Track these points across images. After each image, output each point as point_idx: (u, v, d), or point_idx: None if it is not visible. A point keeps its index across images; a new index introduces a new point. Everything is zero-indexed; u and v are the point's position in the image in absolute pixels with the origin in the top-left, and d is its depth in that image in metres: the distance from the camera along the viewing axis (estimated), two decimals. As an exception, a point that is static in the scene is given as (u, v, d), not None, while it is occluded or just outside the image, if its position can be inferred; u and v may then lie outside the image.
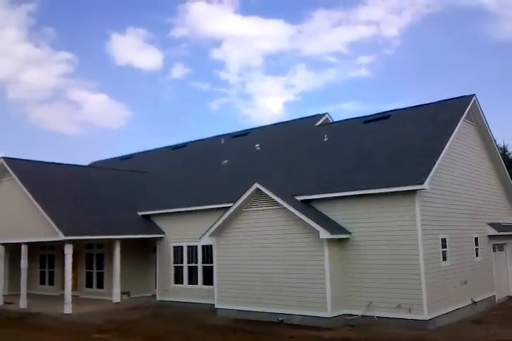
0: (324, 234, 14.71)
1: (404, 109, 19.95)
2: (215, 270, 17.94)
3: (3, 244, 22.24)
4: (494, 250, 19.16)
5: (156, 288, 21.61)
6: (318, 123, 23.33)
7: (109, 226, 20.61)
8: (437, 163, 14.96)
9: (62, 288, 20.31)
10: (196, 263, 20.08)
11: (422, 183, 14.07)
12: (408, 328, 13.58)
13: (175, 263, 20.90)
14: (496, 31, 69.10)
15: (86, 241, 21.28)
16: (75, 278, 21.91)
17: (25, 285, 20.72)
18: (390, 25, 76.11)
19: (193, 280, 20.16)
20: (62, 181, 22.30)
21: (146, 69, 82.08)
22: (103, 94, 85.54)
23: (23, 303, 20.48)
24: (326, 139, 20.36)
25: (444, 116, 17.39)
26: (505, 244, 20.07)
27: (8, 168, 21.14)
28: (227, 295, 17.26)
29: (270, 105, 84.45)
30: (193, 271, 20.23)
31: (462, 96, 18.25)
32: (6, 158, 21.61)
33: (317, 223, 14.94)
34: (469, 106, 17.66)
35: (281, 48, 79.86)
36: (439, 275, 14.76)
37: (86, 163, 33.58)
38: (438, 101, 18.92)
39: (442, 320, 14.38)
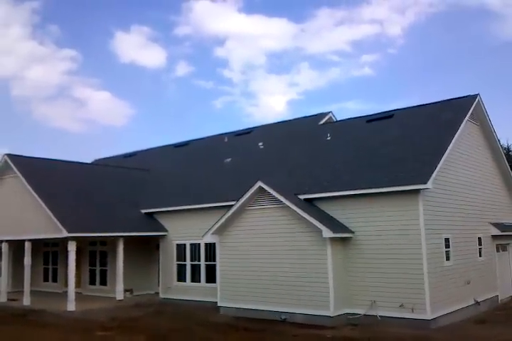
0: (327, 233, 14.72)
1: (408, 108, 19.92)
2: (217, 268, 17.97)
3: (6, 241, 22.31)
4: (497, 250, 19.13)
5: (158, 285, 21.65)
6: (321, 122, 23.32)
7: (113, 223, 20.67)
8: (441, 162, 14.93)
9: (66, 285, 20.39)
10: (199, 261, 20.12)
11: (425, 183, 14.05)
12: (411, 328, 13.57)
13: (178, 260, 20.94)
14: (501, 31, 68.90)
15: (89, 238, 21.32)
16: (78, 275, 21.92)
17: (28, 282, 20.80)
18: (393, 24, 75.94)
19: (195, 278, 20.20)
20: (66, 178, 22.35)
21: (150, 67, 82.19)
22: (107, 92, 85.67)
23: (26, 300, 20.56)
24: (329, 138, 20.35)
25: (447, 116, 17.35)
26: (508, 244, 20.03)
27: (12, 165, 21.19)
28: (230, 293, 17.29)
29: (273, 104, 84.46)
30: (195, 269, 20.27)
31: (466, 96, 18.21)
32: (10, 155, 21.67)
33: (320, 222, 14.95)
34: (473, 106, 17.62)
35: (284, 47, 79.81)
36: (442, 274, 14.75)
37: (89, 161, 33.62)
38: (442, 101, 18.89)
39: (445, 319, 14.38)
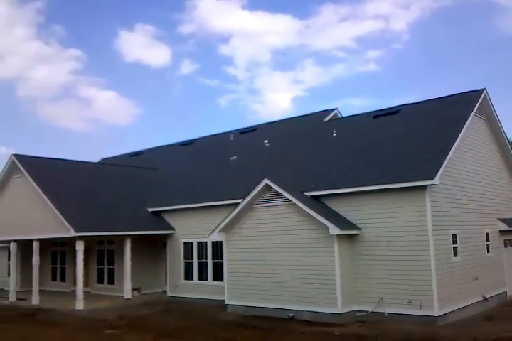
0: (334, 230, 14.69)
1: (414, 103, 19.83)
2: (225, 266, 17.99)
3: (15, 241, 22.46)
4: (505, 245, 19.03)
5: (166, 284, 21.72)
6: (326, 119, 23.26)
7: (120, 222, 20.74)
8: (448, 158, 14.85)
9: (74, 284, 20.51)
10: (206, 259, 20.16)
11: (432, 178, 13.98)
12: (419, 324, 13.53)
13: (185, 259, 20.99)
14: (506, 25, 68.35)
15: (97, 237, 21.41)
16: (86, 274, 22.04)
17: (37, 282, 20.92)
18: (398, 19, 75.63)
19: (203, 276, 20.25)
20: (73, 178, 22.44)
21: (155, 66, 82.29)
22: (112, 91, 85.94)
23: (35, 299, 20.69)
24: (335, 135, 20.29)
25: (454, 111, 17.24)
26: (516, 239, 19.92)
27: (20, 165, 21.30)
28: (237, 291, 17.31)
29: (278, 101, 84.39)
30: (203, 267, 20.31)
31: (472, 91, 18.09)
32: (17, 156, 21.78)
33: (327, 219, 14.92)
34: (480, 101, 17.50)
35: (289, 43, 79.67)
36: (449, 271, 14.69)
37: (96, 160, 33.75)
38: (448, 96, 18.78)
39: (453, 316, 14.33)
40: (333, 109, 24.00)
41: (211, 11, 75.27)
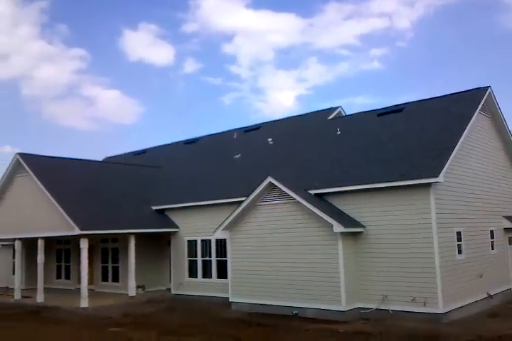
0: (338, 228, 14.69)
1: (418, 101, 19.78)
2: (229, 264, 18.02)
3: (19, 239, 22.55)
4: (510, 243, 19.00)
5: (170, 281, 21.78)
6: (330, 117, 23.22)
7: (124, 220, 20.79)
8: (452, 155, 14.82)
9: (79, 282, 20.57)
10: (210, 257, 20.19)
11: (436, 176, 13.96)
12: (423, 322, 13.54)
13: (189, 257, 21.03)
14: (511, 22, 68.02)
15: (101, 235, 21.47)
16: (90, 272, 22.07)
17: (42, 280, 21.01)
18: (402, 17, 75.31)
19: (207, 273, 20.29)
20: (77, 176, 22.51)
21: (158, 65, 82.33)
22: (116, 90, 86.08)
23: (40, 297, 20.77)
24: (338, 133, 20.27)
25: (458, 109, 17.21)
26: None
27: (24, 164, 21.37)
28: (241, 288, 17.34)
29: (282, 99, 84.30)
30: (207, 265, 20.35)
31: (477, 88, 18.04)
32: (21, 154, 21.85)
33: (331, 217, 14.93)
34: (484, 98, 17.46)
35: (292, 42, 79.54)
36: (454, 268, 14.68)
37: (100, 158, 33.86)
38: (452, 94, 18.73)
39: (457, 313, 14.32)
40: (337, 107, 23.96)
41: (215, 10, 75.30)
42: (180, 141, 31.09)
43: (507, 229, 18.55)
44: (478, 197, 16.97)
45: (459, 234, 15.34)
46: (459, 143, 15.29)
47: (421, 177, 14.28)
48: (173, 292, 21.37)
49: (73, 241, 24.11)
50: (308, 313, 15.35)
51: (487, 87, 17.75)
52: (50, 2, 76.16)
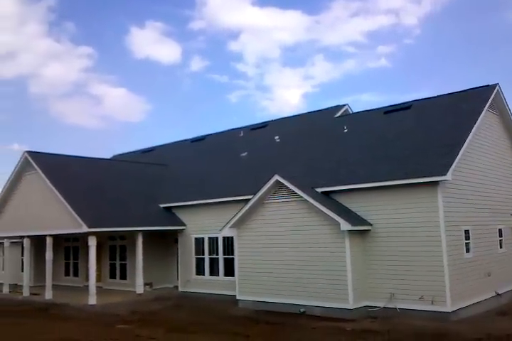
0: (345, 226, 14.67)
1: (426, 99, 19.68)
2: (236, 261, 18.06)
3: (28, 237, 22.70)
4: (518, 241, 18.86)
5: (178, 279, 21.85)
6: (337, 115, 23.18)
7: (132, 218, 20.88)
8: (460, 153, 14.74)
9: (87, 279, 20.71)
10: (217, 254, 20.24)
11: (444, 174, 13.90)
12: (431, 320, 13.50)
13: (196, 254, 21.09)
14: (520, 18, 67.40)
15: (109, 233, 21.57)
16: (98, 270, 22.26)
17: (50, 277, 21.15)
18: (409, 14, 74.92)
19: (214, 271, 20.33)
20: (85, 174, 22.62)
21: (165, 63, 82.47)
22: (122, 88, 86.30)
23: (48, 294, 20.92)
24: (345, 130, 20.22)
25: (466, 106, 17.11)
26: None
27: (33, 162, 21.50)
28: (249, 286, 17.37)
29: (289, 97, 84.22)
30: (214, 263, 20.40)
31: (485, 86, 17.92)
32: (30, 152, 21.98)
33: (338, 215, 14.91)
34: (492, 96, 17.34)
35: (299, 39, 79.40)
36: (462, 267, 14.62)
37: (107, 156, 34.00)
38: (460, 91, 18.61)
39: (465, 312, 14.27)
40: (344, 105, 23.91)
41: (221, 8, 75.26)
42: (187, 139, 31.17)
43: (515, 228, 18.44)
44: (486, 195, 16.88)
45: (467, 232, 15.28)
46: (467, 141, 15.21)
47: (428, 176, 14.22)
48: (180, 289, 21.45)
49: (81, 239, 24.27)
50: (315, 311, 15.35)
51: (495, 85, 17.63)
52: (58, 0, 76.46)
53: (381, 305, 14.86)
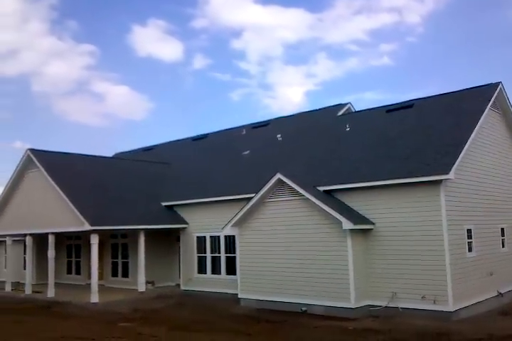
0: (347, 225, 14.65)
1: (428, 97, 19.62)
2: (237, 260, 18.06)
3: (30, 235, 22.73)
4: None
5: (180, 277, 21.87)
6: (340, 113, 23.13)
7: (134, 216, 20.88)
8: (463, 152, 14.70)
9: (89, 277, 20.72)
10: (219, 253, 20.25)
11: (447, 173, 13.86)
12: (433, 319, 13.48)
13: (198, 253, 21.10)
14: (524, 17, 67.12)
15: (111, 231, 21.60)
16: (100, 268, 22.30)
17: (52, 275, 21.18)
18: (412, 12, 74.71)
19: (216, 270, 20.35)
20: (87, 172, 22.63)
21: (167, 61, 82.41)
22: (125, 86, 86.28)
23: (50, 292, 20.95)
24: (348, 129, 20.18)
25: (469, 105, 17.06)
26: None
27: (35, 160, 21.51)
28: (250, 285, 17.37)
29: (291, 95, 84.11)
30: (216, 261, 20.41)
31: (488, 84, 17.85)
32: (32, 150, 21.99)
33: (340, 213, 14.88)
34: (495, 95, 17.28)
35: (301, 37, 79.24)
36: (464, 266, 14.59)
37: (109, 154, 34.00)
38: (463, 90, 18.56)
39: (467, 311, 14.25)
40: (347, 103, 23.87)
41: (223, 6, 75.18)
42: (189, 138, 31.14)
43: (518, 227, 18.39)
44: (488, 195, 16.84)
45: (469, 231, 15.25)
46: (469, 140, 15.16)
47: (431, 174, 14.19)
48: (182, 288, 21.46)
49: (83, 237, 24.29)
50: (317, 310, 15.35)
51: (498, 83, 17.56)
52: (60, -2, 76.38)
53: (383, 304, 14.85)
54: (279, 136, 23.31)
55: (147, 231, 21.00)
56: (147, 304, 18.23)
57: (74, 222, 19.23)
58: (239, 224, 17.77)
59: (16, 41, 73.83)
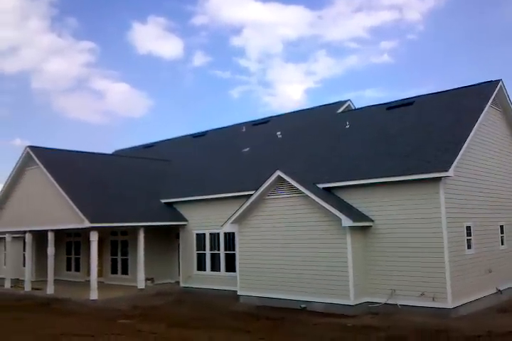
0: (346, 222, 14.65)
1: (429, 94, 19.61)
2: (237, 257, 18.07)
3: (30, 232, 22.74)
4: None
5: (179, 274, 21.88)
6: (340, 111, 23.12)
7: (133, 213, 20.88)
8: (463, 149, 14.69)
9: (88, 274, 20.73)
10: (218, 250, 20.25)
11: (446, 170, 13.86)
12: (431, 316, 13.50)
13: (198, 250, 21.11)
14: (524, 14, 66.99)
15: (111, 228, 21.60)
16: (100, 265, 22.30)
17: (52, 272, 21.19)
18: (412, 9, 74.59)
19: (215, 267, 20.35)
20: (87, 169, 22.62)
21: (167, 58, 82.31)
22: (125, 83, 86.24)
23: (50, 289, 20.97)
24: (348, 126, 20.17)
25: (469, 102, 17.04)
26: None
27: (35, 157, 21.50)
28: (250, 282, 17.38)
29: (291, 92, 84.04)
30: (215, 258, 20.41)
31: (488, 82, 17.84)
32: (32, 147, 21.98)
33: (339, 210, 14.89)
34: (495, 92, 17.26)
35: (301, 35, 79.10)
36: (463, 263, 14.61)
37: (109, 151, 34.00)
38: (463, 87, 18.54)
39: (466, 308, 14.27)
40: (346, 101, 23.85)
41: (223, 3, 75.10)
42: (188, 135, 31.12)
43: (517, 224, 18.40)
44: (488, 192, 16.84)
45: (468, 228, 15.26)
46: (469, 137, 15.15)
47: (431, 172, 14.19)
48: (181, 285, 21.48)
49: (83, 234, 24.31)
50: (316, 307, 15.37)
51: (498, 81, 17.54)
52: (60, -5, 76.22)
53: (382, 301, 14.87)
54: (278, 133, 23.29)
55: (147, 228, 21.01)
56: (146, 301, 18.24)
57: (73, 219, 19.23)
58: (238, 221, 17.77)
59: (15, 38, 73.82)
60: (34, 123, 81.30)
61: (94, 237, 19.13)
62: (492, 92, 17.13)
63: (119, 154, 32.54)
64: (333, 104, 24.35)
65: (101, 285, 19.92)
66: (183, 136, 31.44)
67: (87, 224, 18.61)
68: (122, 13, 77.93)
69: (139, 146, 33.88)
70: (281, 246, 16.55)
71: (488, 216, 16.71)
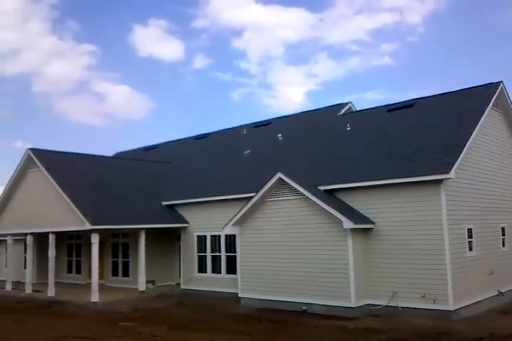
0: (348, 224, 14.65)
1: (429, 97, 19.63)
2: (238, 259, 18.06)
3: (31, 234, 22.74)
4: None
5: (180, 276, 21.86)
6: (341, 113, 23.13)
7: (134, 215, 20.88)
8: (463, 151, 14.69)
9: (89, 276, 20.69)
10: (220, 252, 20.24)
11: (447, 172, 13.86)
12: (433, 319, 13.48)
13: (199, 252, 21.09)
14: (525, 16, 67.03)
15: (112, 230, 21.60)
16: (101, 267, 22.28)
17: (53, 274, 21.17)
18: (413, 11, 74.62)
19: (216, 269, 20.34)
20: (88, 172, 22.62)
21: (168, 61, 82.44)
22: (126, 86, 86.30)
23: (51, 291, 20.94)
24: (349, 128, 20.18)
25: (470, 105, 17.04)
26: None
27: (36, 159, 21.51)
28: (251, 284, 17.37)
29: (292, 95, 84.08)
30: (216, 260, 20.40)
31: (489, 84, 17.84)
32: (33, 150, 21.99)
33: (340, 213, 14.88)
34: (496, 94, 17.27)
35: (302, 37, 79.17)
36: (464, 265, 14.59)
37: (110, 154, 33.98)
38: (464, 89, 18.55)
39: (468, 310, 14.24)
40: (347, 103, 23.86)
41: (224, 5, 75.16)
42: (190, 137, 31.14)
43: (519, 226, 18.38)
44: (489, 194, 16.83)
45: (469, 230, 15.24)
46: (470, 139, 15.15)
47: (432, 174, 14.18)
48: (182, 287, 21.46)
49: (84, 236, 24.29)
50: (317, 309, 15.35)
51: (499, 83, 17.54)
52: (61, -2, 76.41)
53: (383, 303, 14.85)
54: (279, 135, 23.31)
55: (148, 231, 21.00)
56: (147, 303, 18.23)
57: (74, 221, 19.23)
58: (239, 223, 17.77)
59: (16, 41, 73.96)
60: (35, 125, 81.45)
61: (95, 239, 19.12)
62: (493, 94, 17.13)
63: (120, 156, 32.55)
64: (334, 106, 24.37)
65: (102, 288, 19.90)
66: (184, 138, 31.46)
67: (88, 226, 18.62)
68: (123, 16, 78.15)
69: (140, 149, 33.90)
70: (283, 249, 16.53)
71: (490, 218, 16.69)
